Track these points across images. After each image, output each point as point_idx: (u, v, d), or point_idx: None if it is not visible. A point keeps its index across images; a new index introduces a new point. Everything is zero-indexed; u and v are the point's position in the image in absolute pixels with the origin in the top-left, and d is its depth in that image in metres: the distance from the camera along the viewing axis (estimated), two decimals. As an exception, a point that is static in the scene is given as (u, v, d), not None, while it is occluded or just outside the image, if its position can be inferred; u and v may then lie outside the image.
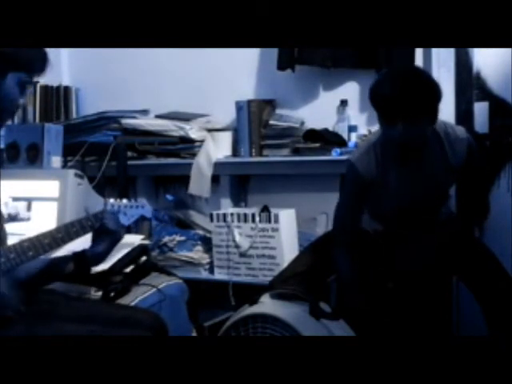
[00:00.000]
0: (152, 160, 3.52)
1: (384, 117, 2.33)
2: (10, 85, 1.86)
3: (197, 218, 3.52)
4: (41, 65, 1.90)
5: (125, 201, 2.05)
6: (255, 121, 3.32)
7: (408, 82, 2.29)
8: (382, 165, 2.45)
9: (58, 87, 3.85)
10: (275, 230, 3.08)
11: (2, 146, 3.08)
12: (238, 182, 3.49)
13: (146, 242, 2.78)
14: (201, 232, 3.41)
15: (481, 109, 3.16)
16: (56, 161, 3.07)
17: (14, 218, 2.53)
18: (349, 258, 2.53)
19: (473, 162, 2.48)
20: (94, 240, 1.99)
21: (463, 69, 3.16)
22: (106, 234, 1.98)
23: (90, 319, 1.98)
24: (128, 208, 2.04)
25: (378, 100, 2.34)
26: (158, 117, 3.54)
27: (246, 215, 3.15)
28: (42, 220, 2.56)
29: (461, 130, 2.49)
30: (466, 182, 2.57)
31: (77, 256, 1.99)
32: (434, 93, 2.31)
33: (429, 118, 2.32)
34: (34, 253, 1.87)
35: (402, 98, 2.25)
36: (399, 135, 2.29)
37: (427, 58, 3.08)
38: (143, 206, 2.05)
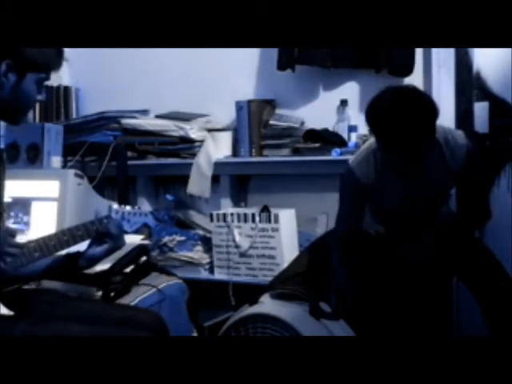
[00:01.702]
0: (152, 160, 3.52)
1: (383, 142, 2.32)
2: (29, 84, 1.87)
3: (197, 218, 3.52)
4: (58, 62, 1.92)
5: (128, 208, 2.05)
6: (255, 121, 3.32)
7: (405, 106, 2.24)
8: (382, 171, 2.44)
9: (58, 87, 3.85)
10: (275, 230, 3.08)
11: (2, 146, 3.08)
12: (238, 182, 3.49)
13: (146, 242, 2.78)
14: (201, 232, 3.41)
15: (481, 109, 3.15)
16: (56, 161, 3.07)
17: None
18: (345, 260, 2.53)
19: (472, 167, 2.47)
20: (93, 242, 1.99)
21: (463, 69, 3.15)
22: (107, 237, 1.98)
23: (90, 320, 1.98)
24: (132, 215, 2.05)
25: (376, 125, 2.31)
26: (158, 117, 3.54)
27: (246, 215, 3.15)
28: (42, 220, 2.56)
29: (460, 136, 2.47)
30: (466, 187, 2.57)
31: (69, 257, 2.00)
32: (433, 115, 2.27)
33: (428, 139, 2.31)
34: (39, 254, 1.89)
35: (401, 125, 2.21)
36: (399, 160, 2.29)
37: (427, 58, 3.08)
38: (146, 215, 2.07)
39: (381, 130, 2.30)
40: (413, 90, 2.36)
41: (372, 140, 2.50)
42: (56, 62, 1.92)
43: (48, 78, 1.93)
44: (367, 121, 2.33)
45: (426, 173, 2.44)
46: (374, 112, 2.30)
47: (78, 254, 1.99)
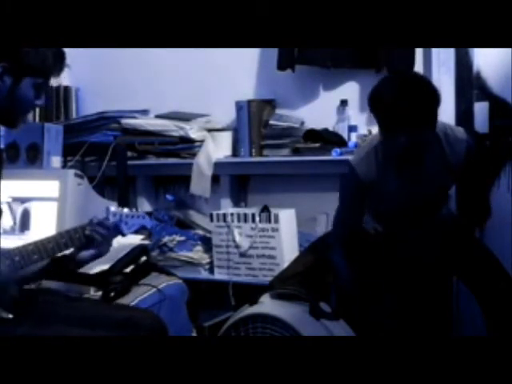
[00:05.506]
0: (152, 160, 3.52)
1: (385, 126, 2.33)
2: (25, 89, 1.88)
3: (197, 218, 3.52)
4: (57, 68, 1.92)
5: (126, 210, 2.07)
6: (255, 121, 3.32)
7: (408, 91, 2.27)
8: (383, 168, 2.45)
9: (58, 87, 3.84)
10: (275, 230, 3.08)
11: (2, 146, 3.08)
12: (238, 182, 3.49)
13: (146, 242, 2.78)
14: (201, 232, 3.41)
15: (481, 109, 3.15)
16: (56, 161, 3.07)
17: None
18: (346, 260, 2.54)
19: (472, 163, 2.48)
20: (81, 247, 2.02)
21: (463, 69, 3.15)
22: (91, 245, 2.01)
23: (90, 320, 1.99)
24: (129, 218, 2.06)
25: (378, 110, 2.33)
26: (158, 117, 3.54)
27: (246, 215, 3.15)
28: (42, 220, 2.56)
29: (460, 132, 2.50)
30: (466, 183, 2.58)
31: (56, 261, 2.01)
32: (435, 100, 2.30)
33: (429, 125, 2.32)
34: (38, 256, 1.90)
35: (403, 108, 2.24)
36: (400, 145, 2.29)
37: (427, 58, 3.08)
38: (144, 217, 2.08)
39: (382, 112, 2.31)
40: (415, 74, 2.46)
41: (372, 136, 2.51)
42: (55, 67, 1.92)
43: (47, 83, 1.93)
44: (370, 105, 2.35)
45: (425, 165, 2.44)
46: (377, 95, 2.33)
47: (64, 257, 2.01)
